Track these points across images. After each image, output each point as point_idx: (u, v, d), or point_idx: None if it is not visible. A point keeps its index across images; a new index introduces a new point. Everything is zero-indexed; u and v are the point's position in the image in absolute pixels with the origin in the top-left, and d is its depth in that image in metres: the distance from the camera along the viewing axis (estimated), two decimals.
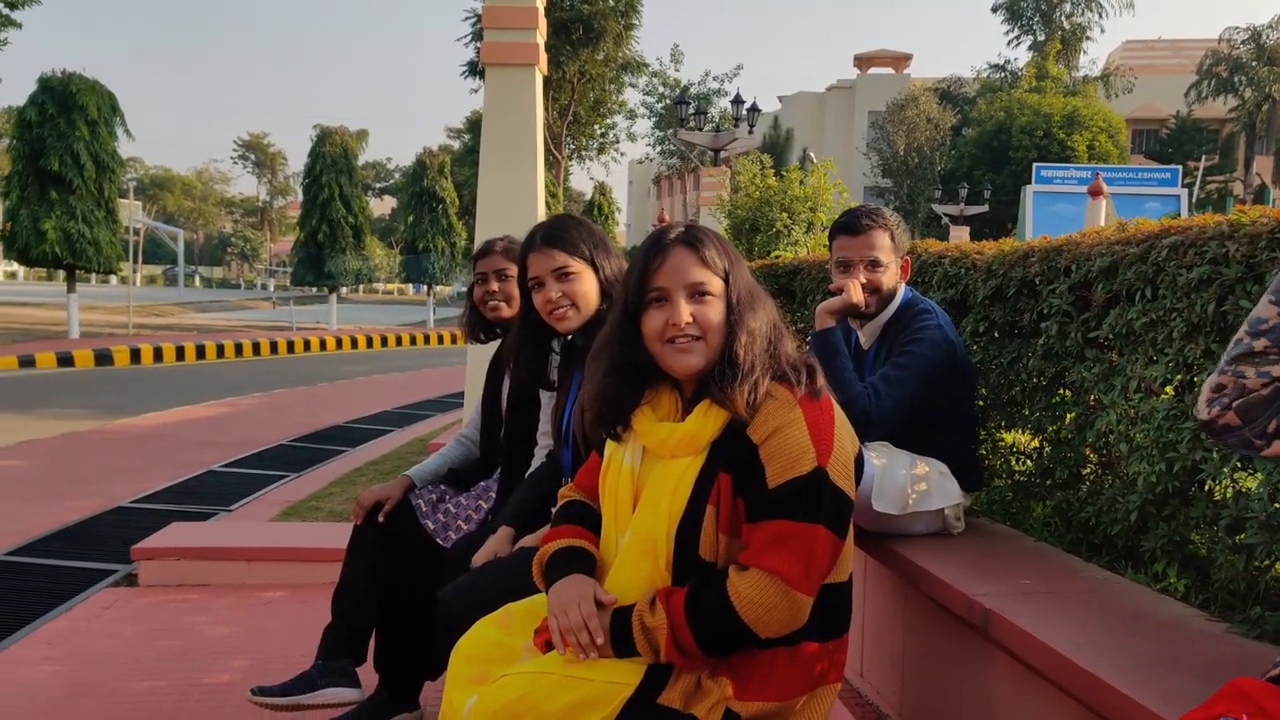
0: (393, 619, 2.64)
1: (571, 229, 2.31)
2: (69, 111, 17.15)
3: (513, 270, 2.75)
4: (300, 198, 26.34)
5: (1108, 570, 2.39)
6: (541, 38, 6.69)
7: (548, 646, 1.69)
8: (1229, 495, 2.11)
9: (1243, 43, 40.12)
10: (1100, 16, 42.95)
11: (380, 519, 2.63)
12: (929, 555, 2.50)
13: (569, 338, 2.36)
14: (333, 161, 24.19)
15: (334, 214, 24.11)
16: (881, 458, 2.60)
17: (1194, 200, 26.37)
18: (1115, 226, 2.53)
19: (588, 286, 2.28)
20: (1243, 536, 2.00)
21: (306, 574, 3.98)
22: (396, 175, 70.39)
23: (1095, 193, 12.54)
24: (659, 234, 1.73)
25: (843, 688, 3.04)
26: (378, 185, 73.82)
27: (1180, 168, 25.32)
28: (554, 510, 1.93)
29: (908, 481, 2.60)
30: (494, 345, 2.94)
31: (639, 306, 1.69)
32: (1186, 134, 42.10)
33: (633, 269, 1.72)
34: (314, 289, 28.89)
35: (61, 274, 18.30)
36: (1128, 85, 41.93)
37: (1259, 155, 40.28)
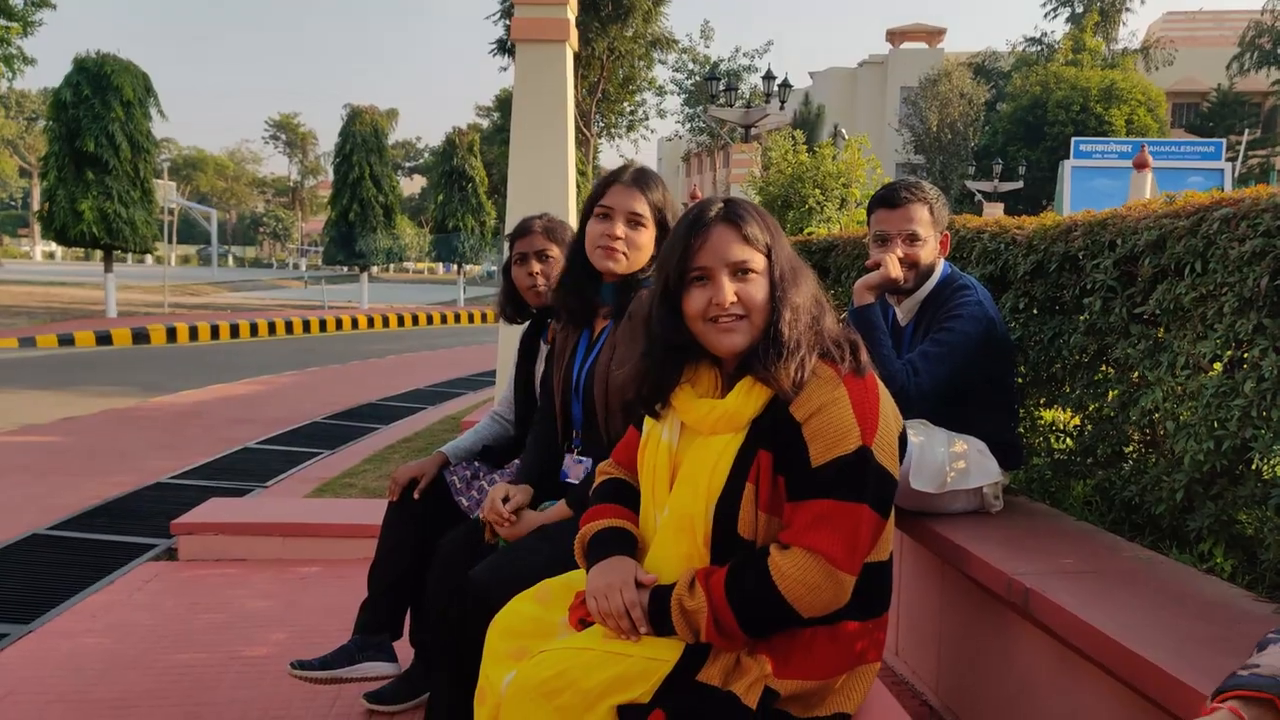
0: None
1: (660, 185, 2.29)
2: (104, 92, 17.32)
3: (554, 250, 2.71)
4: (331, 177, 26.48)
5: (1151, 550, 2.35)
6: (572, 13, 6.64)
7: (582, 624, 1.68)
8: (1279, 474, 2.06)
9: None
10: None
11: (415, 496, 2.64)
12: (967, 534, 2.47)
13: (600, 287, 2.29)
14: (363, 141, 24.28)
15: (364, 193, 24.23)
16: (919, 435, 2.56)
17: (1237, 174, 25.77)
18: (1163, 199, 2.47)
19: (646, 242, 2.24)
20: None
21: (342, 549, 4.03)
22: (426, 154, 70.59)
23: (1141, 165, 12.14)
24: (699, 211, 1.69)
25: (880, 668, 3.04)
26: (408, 164, 74.11)
27: (1223, 141, 24.76)
28: (593, 487, 1.92)
29: (946, 459, 2.56)
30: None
31: (680, 286, 1.66)
32: (1228, 107, 41.12)
33: (673, 248, 1.68)
34: (345, 268, 29.10)
35: (98, 254, 18.56)
36: (1168, 58, 41.06)
37: None
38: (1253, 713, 1.15)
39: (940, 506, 2.63)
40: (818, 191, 8.58)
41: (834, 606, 1.57)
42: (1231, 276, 2.07)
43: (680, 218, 1.75)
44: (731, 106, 20.41)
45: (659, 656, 1.58)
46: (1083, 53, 38.87)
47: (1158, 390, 2.33)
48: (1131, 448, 2.64)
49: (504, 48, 30.51)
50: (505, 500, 2.23)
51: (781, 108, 20.33)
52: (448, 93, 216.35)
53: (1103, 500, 2.71)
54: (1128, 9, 42.46)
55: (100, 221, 17.36)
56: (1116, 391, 2.60)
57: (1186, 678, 1.59)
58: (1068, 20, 42.77)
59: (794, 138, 9.20)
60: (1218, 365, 2.19)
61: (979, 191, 32.01)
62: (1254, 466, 2.12)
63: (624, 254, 2.20)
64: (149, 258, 24.16)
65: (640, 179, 2.23)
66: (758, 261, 1.64)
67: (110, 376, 10.95)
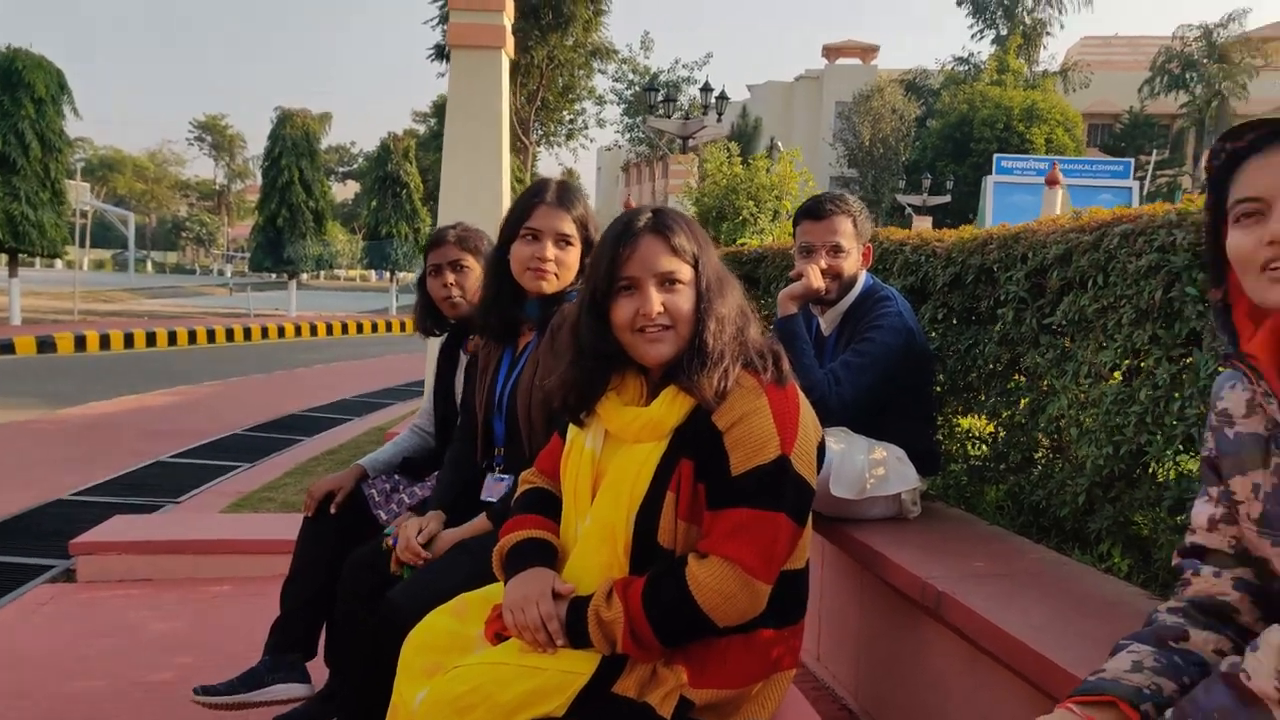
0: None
1: (582, 201, 2.28)
2: (14, 89, 16.67)
3: (468, 261, 2.68)
4: (259, 181, 25.98)
5: (1056, 552, 2.42)
6: (509, 20, 6.62)
7: (499, 638, 1.66)
8: (1172, 477, 2.15)
9: (1195, 40, 40.80)
10: (1060, 13, 43.56)
11: (332, 510, 2.58)
12: (884, 539, 2.51)
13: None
14: (293, 144, 23.90)
15: (294, 198, 23.82)
16: (840, 443, 2.60)
17: (1145, 193, 26.82)
18: (1070, 215, 2.55)
19: (574, 261, 2.24)
20: (1184, 517, 2.03)
21: (256, 567, 3.89)
22: (360, 160, 69.62)
23: (1052, 182, 12.80)
24: (627, 220, 1.69)
25: (800, 674, 3.05)
26: (340, 169, 73.02)
27: (1133, 161, 25.75)
28: (515, 497, 1.90)
29: (865, 466, 2.61)
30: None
31: (608, 295, 1.66)
32: (1139, 129, 42.82)
33: (600, 257, 1.68)
34: (273, 275, 28.51)
35: (3, 258, 17.79)
36: (1085, 80, 42.52)
37: (1208, 150, 41.02)
38: (1099, 714, 1.20)
39: (860, 513, 2.67)
40: (751, 203, 8.68)
41: (749, 615, 1.58)
42: (1130, 289, 2.15)
43: (608, 227, 1.75)
44: (670, 117, 20.54)
45: (574, 669, 1.57)
46: (1006, 73, 39.99)
47: (1063, 398, 2.41)
48: (1040, 453, 2.72)
49: (441, 53, 30.23)
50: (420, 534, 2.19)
51: (719, 119, 20.53)
52: (384, 98, 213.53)
53: (1014, 504, 2.79)
54: (1048, 33, 43.87)
55: (5, 224, 16.63)
56: (1027, 399, 2.68)
57: (1083, 674, 1.62)
58: (993, 42, 44.02)
59: (729, 149, 9.30)
60: (1117, 374, 2.28)
61: (909, 205, 32.74)
62: (1150, 470, 2.20)
63: (555, 274, 2.21)
64: (59, 262, 23.26)
65: (563, 198, 2.22)
66: (685, 272, 1.65)
67: (12, 387, 10.49)
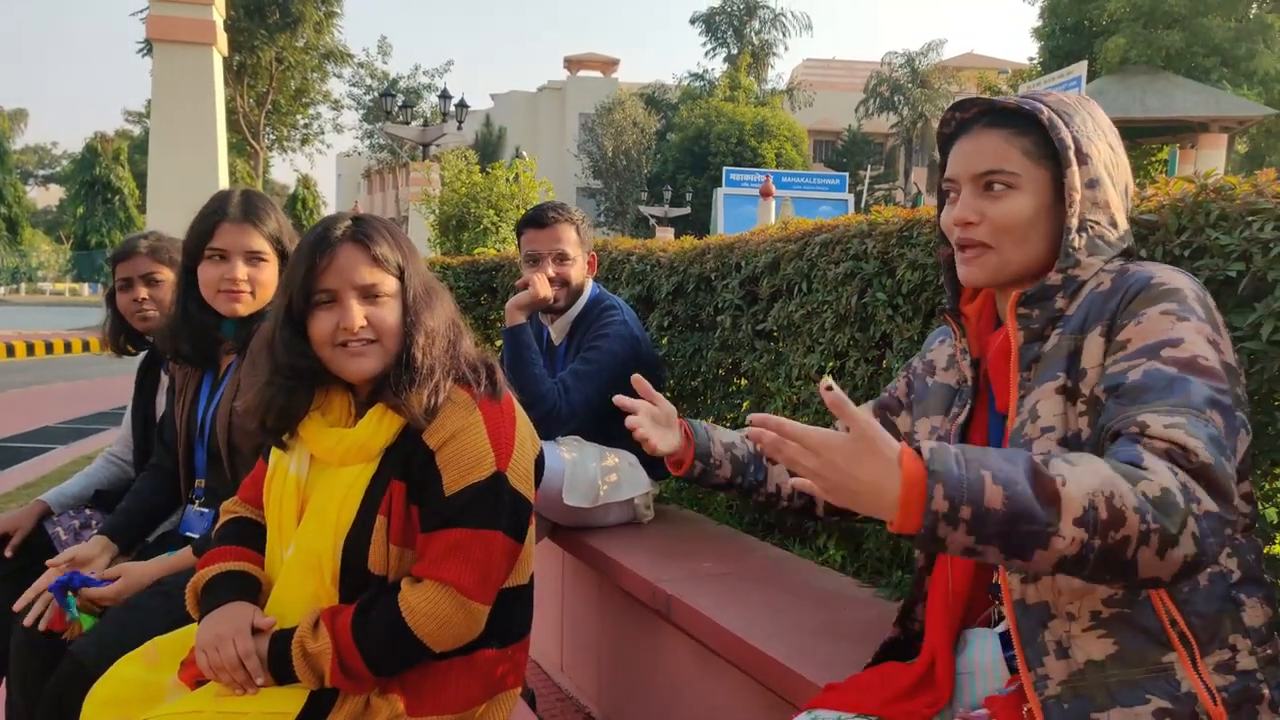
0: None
1: (272, 212, 2.13)
2: None
3: (163, 273, 2.48)
4: None
5: (779, 548, 2.55)
6: (219, 15, 6.19)
7: (198, 682, 1.52)
8: None
9: (900, 67, 45.25)
10: (784, 35, 46.81)
11: (7, 553, 2.28)
12: (619, 545, 2.55)
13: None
14: None
15: None
16: (572, 451, 2.61)
17: (863, 205, 29.38)
18: (778, 225, 2.71)
19: (270, 278, 2.10)
20: None
21: None
22: (64, 162, 62.85)
23: (765, 194, 13.83)
24: (324, 228, 1.59)
25: (543, 686, 3.04)
26: (41, 173, 65.58)
27: (847, 175, 28.06)
28: (215, 528, 1.75)
29: (598, 474, 2.63)
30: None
31: (305, 308, 1.55)
32: (857, 146, 46.84)
33: (296, 268, 1.56)
34: None
35: None
36: (808, 100, 45.96)
37: (916, 167, 45.71)
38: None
39: (596, 520, 2.69)
40: (492, 212, 8.61)
41: (467, 638, 1.55)
42: (830, 295, 2.31)
43: (305, 235, 1.64)
44: (409, 124, 20.03)
45: (278, 709, 1.47)
46: (738, 90, 42.43)
47: (778, 399, 2.54)
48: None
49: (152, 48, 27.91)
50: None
51: (459, 127, 20.26)
52: (94, 94, 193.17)
53: (742, 503, 2.92)
54: (774, 54, 47.03)
55: None
56: (748, 401, 2.81)
57: (794, 664, 1.72)
58: (725, 60, 46.58)
59: (466, 157, 9.18)
60: (826, 376, 2.44)
61: (652, 216, 33.89)
62: None
63: (250, 294, 2.07)
64: None
65: (250, 212, 2.08)
66: (389, 284, 1.57)
67: None
